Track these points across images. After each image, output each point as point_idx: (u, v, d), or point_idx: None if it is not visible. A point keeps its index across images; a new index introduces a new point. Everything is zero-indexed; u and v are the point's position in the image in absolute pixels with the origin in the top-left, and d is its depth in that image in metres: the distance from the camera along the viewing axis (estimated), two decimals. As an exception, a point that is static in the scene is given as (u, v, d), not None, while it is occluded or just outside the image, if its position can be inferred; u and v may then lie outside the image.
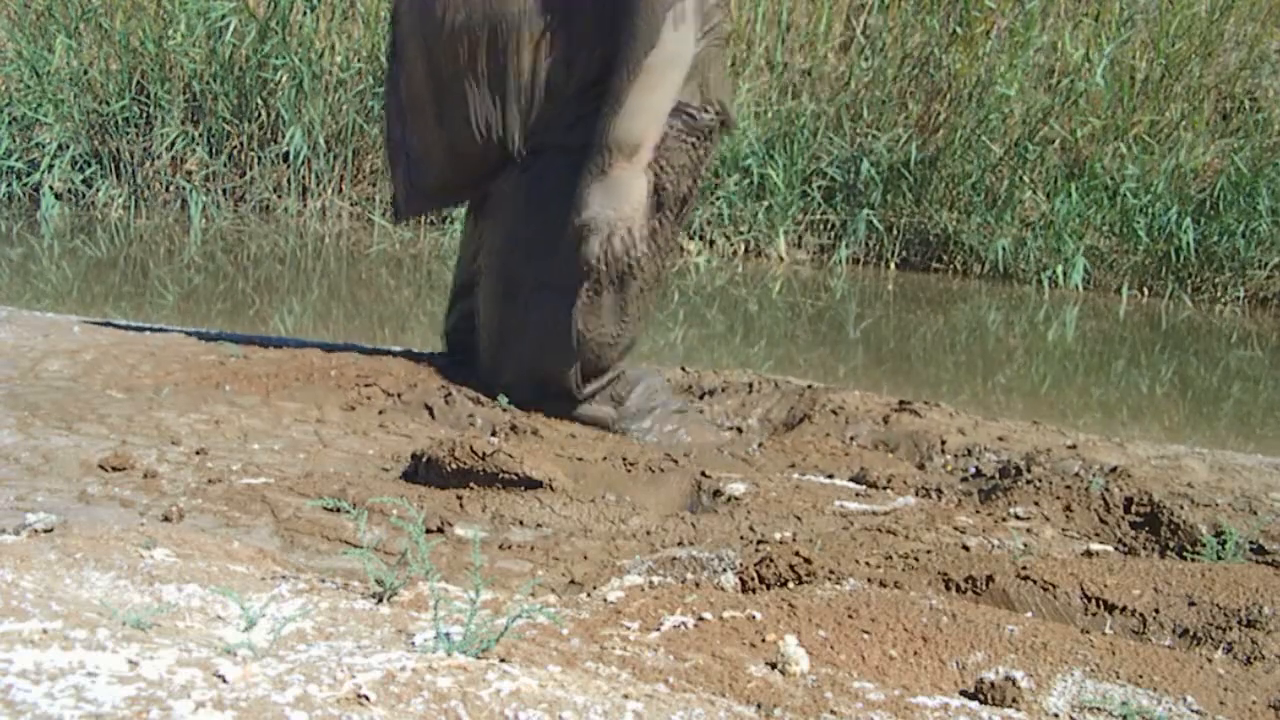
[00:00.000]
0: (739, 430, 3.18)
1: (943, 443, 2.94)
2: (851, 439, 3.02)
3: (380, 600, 1.57)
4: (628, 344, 2.98)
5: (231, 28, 6.68)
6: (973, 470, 2.79)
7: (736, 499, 2.35)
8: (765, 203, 6.76)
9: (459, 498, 2.21)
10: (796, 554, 1.79)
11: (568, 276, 2.89)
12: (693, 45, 2.86)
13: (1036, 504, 2.34)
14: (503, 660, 1.34)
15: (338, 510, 2.02)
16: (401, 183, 3.17)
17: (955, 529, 2.20)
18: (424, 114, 3.04)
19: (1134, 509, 2.30)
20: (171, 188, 6.88)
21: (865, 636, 1.52)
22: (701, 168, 3.11)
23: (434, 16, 2.96)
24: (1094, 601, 1.78)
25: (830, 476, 2.67)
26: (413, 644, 1.39)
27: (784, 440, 2.94)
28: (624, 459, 2.45)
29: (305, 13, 6.95)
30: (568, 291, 2.90)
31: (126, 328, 3.60)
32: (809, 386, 3.34)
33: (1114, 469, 2.47)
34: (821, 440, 2.96)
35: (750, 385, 3.33)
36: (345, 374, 3.01)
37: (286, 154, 6.83)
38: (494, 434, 2.75)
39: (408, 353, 3.28)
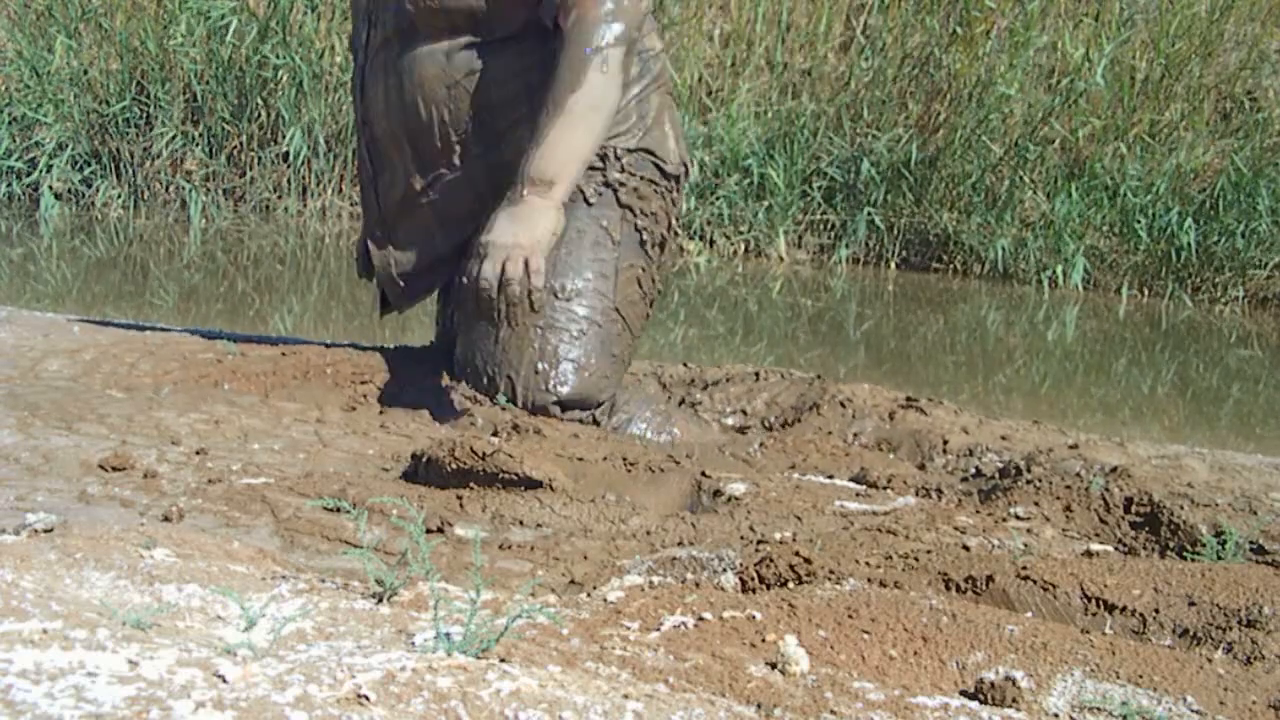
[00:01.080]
0: (744, 413, 3.17)
1: (945, 441, 2.94)
2: (855, 435, 3.02)
3: (380, 600, 1.57)
4: (615, 384, 2.95)
5: (232, 28, 6.68)
6: (973, 470, 2.79)
7: (736, 499, 2.35)
8: (765, 203, 6.76)
9: (459, 498, 2.21)
10: (796, 554, 1.79)
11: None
12: (618, 93, 2.83)
13: (1036, 504, 2.34)
14: (503, 660, 1.34)
15: (338, 510, 2.03)
16: (390, 279, 3.12)
17: (955, 529, 2.20)
18: (413, 208, 3.03)
19: (1134, 509, 2.30)
20: (171, 188, 6.88)
21: (865, 636, 1.52)
22: (674, 215, 3.12)
23: (418, 116, 2.96)
24: (1094, 601, 1.78)
25: (830, 477, 2.67)
26: (413, 644, 1.39)
27: (785, 440, 2.94)
28: (624, 459, 2.45)
29: (305, 13, 6.95)
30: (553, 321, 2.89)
31: (126, 327, 3.60)
32: (818, 377, 3.34)
33: (1114, 469, 2.47)
34: (824, 440, 2.96)
35: (757, 374, 3.34)
36: (341, 371, 3.02)
37: (286, 154, 6.83)
38: (495, 433, 2.75)
39: (404, 349, 3.28)
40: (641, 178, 3.02)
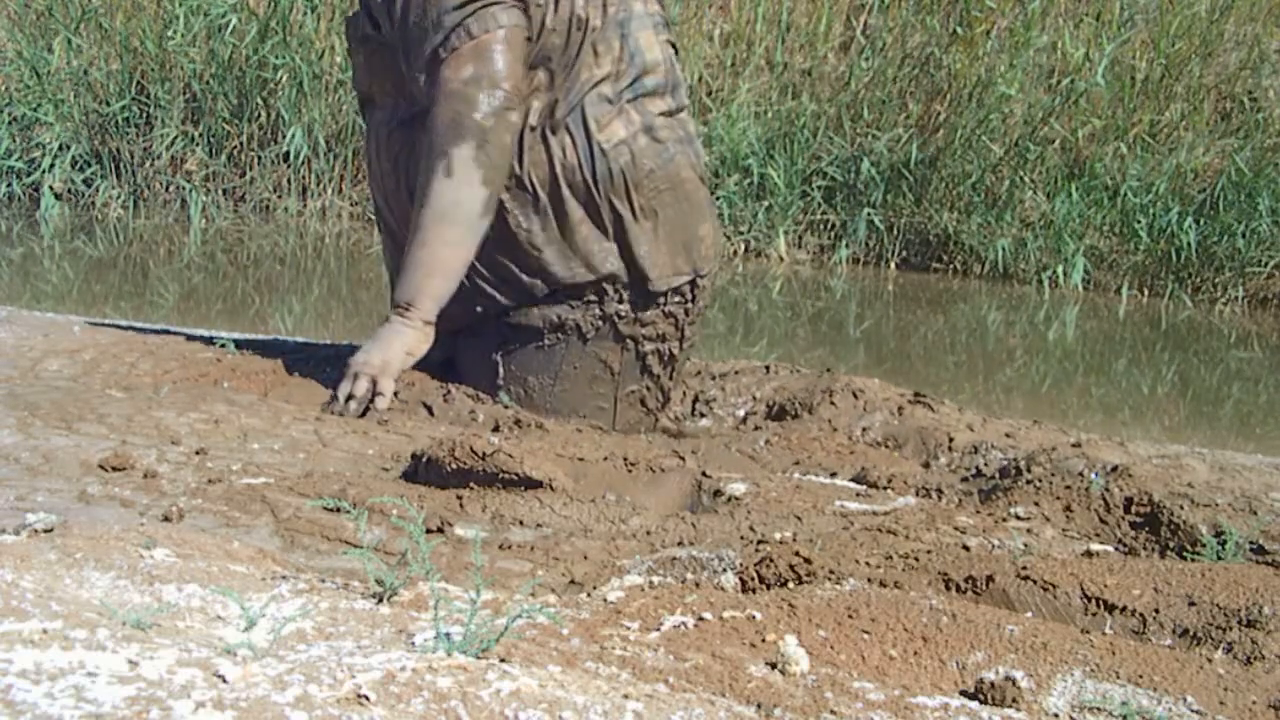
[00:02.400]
0: (754, 398, 3.18)
1: (950, 439, 2.94)
2: (864, 429, 3.01)
3: (380, 600, 1.57)
4: None
5: (231, 27, 6.68)
6: (978, 468, 2.79)
7: (737, 499, 2.35)
8: (765, 202, 6.76)
9: (459, 498, 2.21)
10: (796, 554, 1.79)
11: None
12: (473, 193, 2.69)
13: (1037, 504, 2.34)
14: (503, 660, 1.34)
15: (338, 510, 2.02)
16: None
17: (955, 529, 2.20)
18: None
19: (1134, 509, 2.30)
20: (171, 188, 6.88)
21: (865, 636, 1.52)
22: (690, 318, 2.99)
23: (383, 182, 2.97)
24: (1094, 601, 1.78)
25: (834, 475, 2.67)
26: (413, 644, 1.39)
27: (790, 436, 2.94)
28: (624, 459, 2.45)
29: (305, 13, 6.95)
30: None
31: (126, 327, 3.60)
32: (827, 370, 3.35)
33: (1114, 468, 2.47)
34: (829, 436, 2.95)
35: (767, 368, 3.35)
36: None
37: (286, 154, 6.83)
38: (497, 429, 2.75)
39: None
40: (639, 301, 2.91)
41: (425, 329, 2.80)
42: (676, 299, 2.95)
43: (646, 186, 2.87)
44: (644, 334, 2.95)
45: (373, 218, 6.78)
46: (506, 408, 2.89)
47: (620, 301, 2.91)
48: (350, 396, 2.75)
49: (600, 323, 2.92)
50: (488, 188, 2.73)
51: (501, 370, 2.95)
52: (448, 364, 3.02)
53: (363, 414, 2.75)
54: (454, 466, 2.27)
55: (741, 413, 3.18)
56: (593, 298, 2.91)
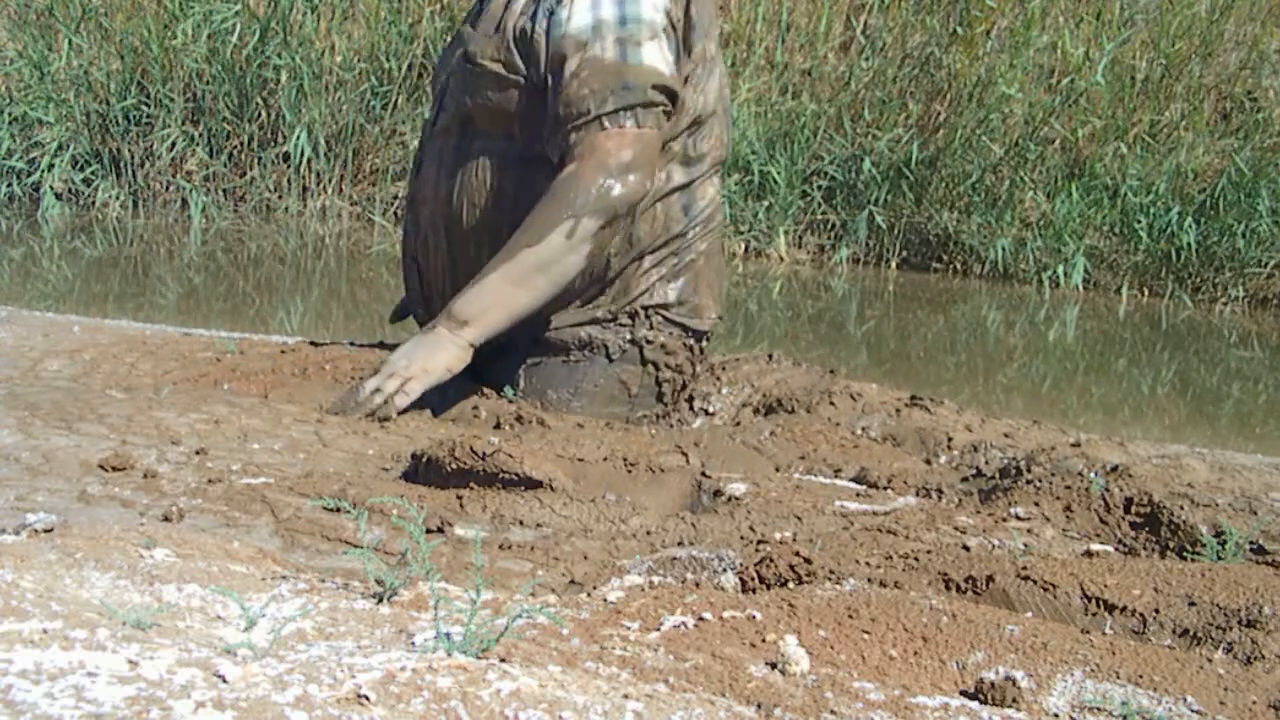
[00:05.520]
0: (753, 387, 3.18)
1: (950, 438, 2.94)
2: (864, 429, 3.02)
3: (380, 600, 1.57)
4: None
5: (239, 33, 6.69)
6: (978, 467, 2.79)
7: (736, 499, 2.35)
8: (766, 202, 6.76)
9: (459, 498, 2.21)
10: (796, 554, 1.79)
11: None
12: (578, 263, 2.78)
13: (1037, 504, 2.34)
14: (503, 660, 1.34)
15: (338, 510, 2.03)
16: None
17: (955, 529, 2.20)
18: (443, 299, 3.00)
19: (1134, 509, 2.30)
20: (172, 188, 6.88)
21: (865, 636, 1.52)
22: (699, 360, 3.12)
23: (461, 214, 2.96)
24: (1094, 601, 1.78)
25: (838, 471, 2.67)
26: (413, 644, 1.39)
27: (794, 429, 2.94)
28: (624, 459, 2.45)
29: (305, 13, 6.95)
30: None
31: (126, 327, 3.60)
32: (830, 371, 3.35)
33: (1114, 468, 2.48)
34: (832, 430, 2.96)
35: (770, 355, 3.35)
36: (340, 368, 3.02)
37: (287, 154, 6.83)
38: (498, 426, 2.76)
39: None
40: (670, 335, 3.00)
41: (468, 352, 2.79)
42: (699, 336, 3.08)
43: (716, 233, 3.10)
44: (666, 361, 3.02)
45: (373, 218, 6.80)
46: (510, 402, 2.89)
47: (651, 329, 2.99)
48: (378, 390, 2.73)
49: (628, 346, 2.99)
50: (589, 261, 2.82)
51: (523, 382, 2.99)
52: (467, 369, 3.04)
53: (382, 416, 2.71)
54: (454, 466, 2.27)
55: (741, 402, 3.18)
56: (626, 321, 2.98)
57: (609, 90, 2.75)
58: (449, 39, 3.21)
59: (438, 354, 2.76)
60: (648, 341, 2.99)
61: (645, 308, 2.97)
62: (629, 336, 2.98)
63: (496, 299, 2.77)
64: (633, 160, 2.77)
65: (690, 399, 3.15)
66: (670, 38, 2.84)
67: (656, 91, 2.79)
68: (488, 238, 2.91)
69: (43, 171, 6.69)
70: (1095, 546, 2.18)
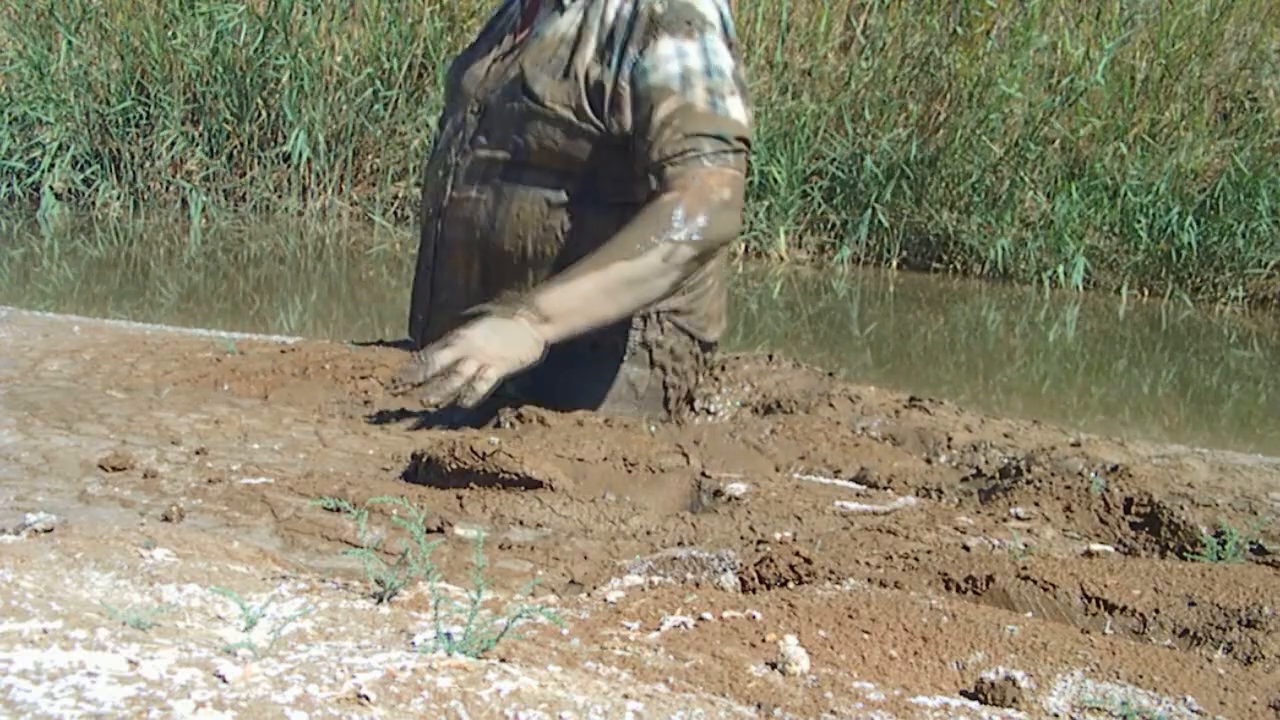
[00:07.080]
0: (752, 386, 3.19)
1: (949, 438, 2.94)
2: (863, 430, 3.02)
3: (380, 600, 1.57)
4: None
5: (242, 32, 6.69)
6: (974, 470, 2.79)
7: (736, 499, 2.35)
8: (766, 202, 6.76)
9: (459, 498, 2.21)
10: (796, 554, 1.79)
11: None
12: (664, 287, 2.76)
13: (1037, 504, 2.34)
14: (503, 660, 1.34)
15: (338, 510, 2.03)
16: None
17: (955, 529, 2.20)
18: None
19: (1134, 509, 2.30)
20: (172, 188, 6.88)
21: (865, 636, 1.52)
22: (702, 373, 3.13)
23: (501, 245, 2.92)
24: (1094, 601, 1.78)
25: (838, 472, 2.67)
26: (413, 644, 1.39)
27: (795, 427, 2.94)
28: (624, 459, 2.45)
29: (306, 13, 6.95)
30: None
31: (126, 327, 3.60)
32: (830, 374, 3.36)
33: (1114, 468, 2.48)
34: (833, 429, 2.96)
35: (770, 355, 3.35)
36: (341, 368, 3.02)
37: (287, 154, 6.83)
38: (498, 425, 2.75)
39: (403, 343, 3.28)
40: (679, 341, 3.01)
41: (542, 349, 2.69)
42: (706, 346, 3.09)
43: (724, 250, 3.08)
44: (674, 367, 3.02)
45: (373, 218, 6.80)
46: (511, 399, 2.89)
47: (661, 333, 2.99)
48: (456, 372, 2.55)
49: (639, 347, 2.99)
50: (673, 289, 2.81)
51: (530, 376, 2.96)
52: None
53: (465, 402, 2.55)
54: (454, 466, 2.27)
55: (741, 402, 3.18)
56: (638, 323, 2.97)
57: (705, 135, 2.77)
58: (471, 41, 3.16)
59: (517, 344, 2.65)
60: (657, 345, 2.99)
61: (657, 311, 2.97)
62: (640, 338, 2.98)
63: (584, 303, 2.72)
64: (731, 199, 2.79)
65: (690, 399, 3.15)
66: (746, 91, 2.90)
67: (741, 142, 2.83)
68: (531, 272, 2.89)
69: (43, 171, 6.69)
70: (1095, 546, 2.18)
